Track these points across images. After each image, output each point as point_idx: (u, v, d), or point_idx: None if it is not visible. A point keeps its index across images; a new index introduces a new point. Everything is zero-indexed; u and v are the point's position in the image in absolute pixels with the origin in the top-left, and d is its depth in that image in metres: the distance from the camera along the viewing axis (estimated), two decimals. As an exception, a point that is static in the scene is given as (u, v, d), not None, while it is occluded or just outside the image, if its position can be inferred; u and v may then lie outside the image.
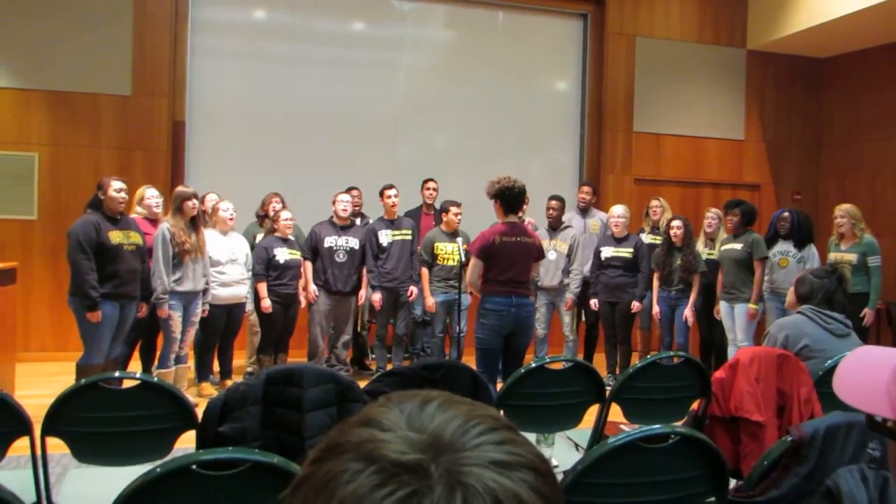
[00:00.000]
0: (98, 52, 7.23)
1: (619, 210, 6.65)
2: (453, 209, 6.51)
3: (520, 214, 4.94)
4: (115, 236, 4.95)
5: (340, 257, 6.37)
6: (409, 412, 0.59)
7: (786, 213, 6.54)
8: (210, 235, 5.77)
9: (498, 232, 4.54)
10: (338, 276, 6.35)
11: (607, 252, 6.57)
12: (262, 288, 6.06)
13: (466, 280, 4.76)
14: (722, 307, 6.35)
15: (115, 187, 4.98)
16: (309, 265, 6.37)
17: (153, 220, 5.71)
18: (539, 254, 4.77)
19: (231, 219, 5.96)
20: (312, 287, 6.33)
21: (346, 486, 0.54)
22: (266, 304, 6.04)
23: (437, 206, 7.00)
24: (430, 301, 6.47)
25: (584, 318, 7.08)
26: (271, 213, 6.37)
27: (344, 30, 8.11)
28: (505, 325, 4.49)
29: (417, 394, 0.62)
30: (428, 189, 7.10)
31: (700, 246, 6.80)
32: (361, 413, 0.61)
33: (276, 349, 6.27)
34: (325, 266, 6.35)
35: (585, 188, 7.28)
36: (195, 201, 5.55)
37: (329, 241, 6.37)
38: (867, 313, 6.14)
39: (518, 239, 4.55)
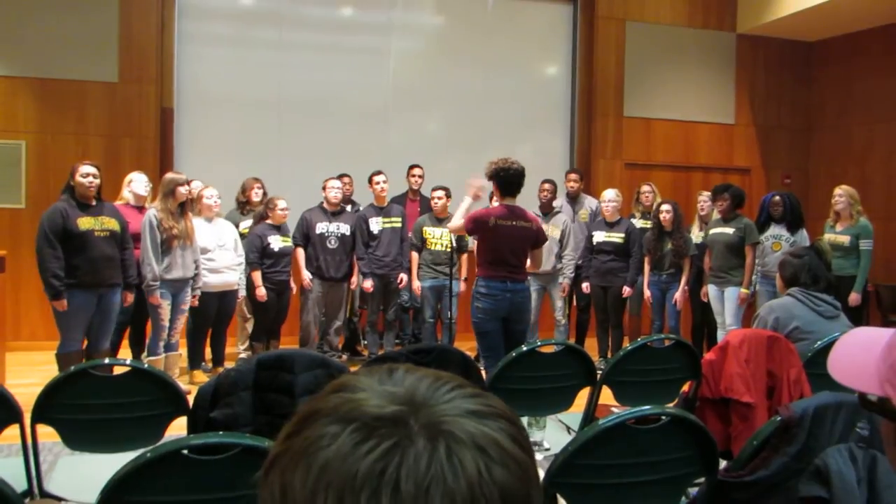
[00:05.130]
0: (84, 39, 7.16)
1: (610, 194, 6.65)
2: (434, 194, 6.53)
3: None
4: (85, 223, 4.82)
5: (332, 243, 6.36)
6: (379, 376, 0.60)
7: (777, 197, 6.56)
8: (195, 223, 5.73)
9: (495, 213, 4.48)
10: (330, 263, 6.35)
11: (599, 236, 6.58)
12: (257, 276, 6.04)
13: (451, 224, 4.69)
14: (711, 291, 6.37)
15: (83, 172, 4.85)
16: (301, 252, 6.36)
17: (139, 208, 5.67)
18: (538, 239, 4.65)
19: (216, 205, 5.92)
20: (306, 274, 6.32)
21: (327, 449, 0.53)
22: (261, 292, 6.03)
23: (424, 192, 6.99)
24: (416, 284, 6.49)
25: (575, 303, 7.09)
26: (253, 199, 6.35)
27: (333, 15, 8.06)
28: (499, 309, 4.45)
29: (383, 365, 0.62)
30: (413, 175, 7.10)
31: (695, 230, 6.82)
32: (331, 384, 0.60)
33: (268, 336, 6.27)
34: (316, 252, 6.34)
35: (572, 175, 7.26)
36: (187, 187, 5.52)
37: (320, 228, 6.36)
38: (853, 296, 6.18)
39: (514, 223, 4.48)
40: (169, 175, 5.57)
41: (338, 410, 0.55)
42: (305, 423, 0.57)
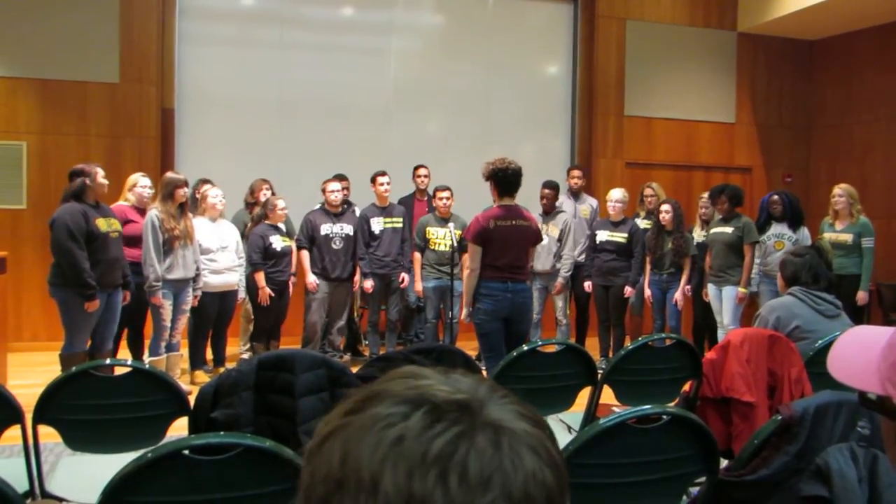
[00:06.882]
0: (85, 40, 7.17)
1: (617, 195, 6.64)
2: (439, 194, 6.52)
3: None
4: (102, 224, 4.86)
5: (337, 244, 6.37)
6: (439, 372, 0.63)
7: (776, 196, 6.55)
8: (199, 223, 5.74)
9: (492, 216, 4.45)
10: (336, 263, 6.36)
11: (602, 235, 6.58)
12: (261, 277, 6.04)
13: (469, 266, 4.59)
14: (710, 290, 6.37)
15: (102, 174, 4.91)
16: (306, 254, 6.36)
17: (140, 209, 5.67)
18: (537, 238, 4.66)
19: (222, 204, 5.93)
20: (312, 277, 6.32)
21: (397, 426, 0.56)
22: (265, 293, 6.03)
23: (430, 191, 7.00)
24: (419, 286, 6.50)
25: (574, 302, 7.09)
26: (262, 200, 6.34)
27: (334, 15, 8.06)
28: (501, 310, 4.43)
29: (437, 367, 0.65)
30: (419, 176, 7.11)
31: (697, 230, 6.81)
32: (393, 372, 0.63)
33: (268, 336, 6.28)
34: (322, 254, 6.35)
35: (575, 172, 7.27)
36: (186, 189, 5.52)
37: (325, 229, 6.37)
38: (860, 295, 6.17)
39: (514, 222, 4.46)
40: (168, 175, 5.57)
41: (406, 394, 0.58)
42: (369, 402, 0.59)
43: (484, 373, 3.96)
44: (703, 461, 2.06)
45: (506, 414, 0.58)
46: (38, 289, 6.95)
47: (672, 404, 3.24)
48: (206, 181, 6.23)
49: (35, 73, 7.09)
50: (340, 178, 6.74)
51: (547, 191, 6.63)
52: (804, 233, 6.39)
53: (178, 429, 2.60)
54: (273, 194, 6.40)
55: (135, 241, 5.39)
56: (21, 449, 2.52)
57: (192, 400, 2.54)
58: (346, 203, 6.88)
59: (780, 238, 6.40)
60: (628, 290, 6.51)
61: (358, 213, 6.70)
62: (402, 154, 7.63)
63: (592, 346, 6.58)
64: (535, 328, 6.66)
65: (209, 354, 6.17)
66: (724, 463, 2.19)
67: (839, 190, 6.41)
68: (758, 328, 3.31)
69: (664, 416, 2.03)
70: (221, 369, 5.92)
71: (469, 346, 5.75)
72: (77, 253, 4.66)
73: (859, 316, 6.16)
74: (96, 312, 4.87)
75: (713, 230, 6.37)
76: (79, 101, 7.18)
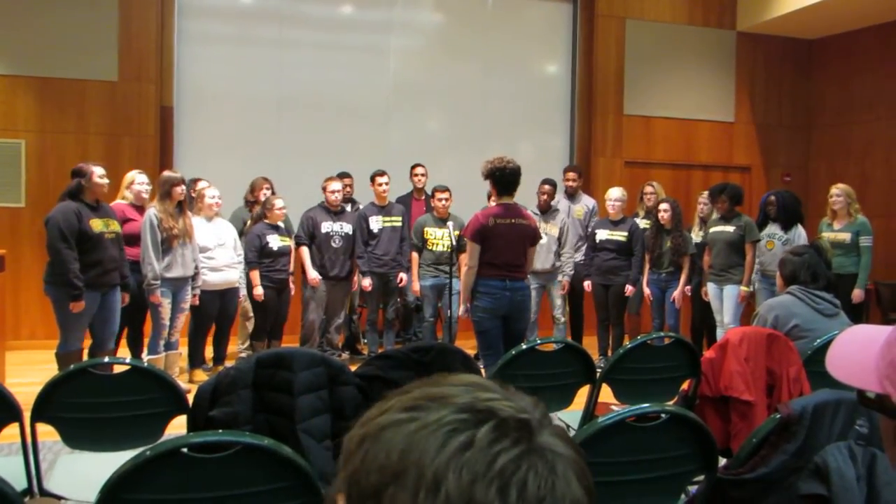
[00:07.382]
0: (84, 38, 7.15)
1: (616, 193, 6.64)
2: (438, 194, 6.52)
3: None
4: (97, 224, 4.85)
5: (336, 242, 6.37)
6: (501, 387, 0.65)
7: (772, 197, 6.56)
8: (195, 222, 5.73)
9: (492, 214, 4.47)
10: (335, 262, 6.37)
11: (602, 234, 6.58)
12: (255, 276, 6.04)
13: (468, 264, 4.60)
14: (710, 288, 6.37)
15: (99, 173, 4.90)
16: (306, 250, 6.36)
17: (139, 207, 5.67)
18: (535, 237, 4.67)
19: (217, 205, 5.92)
20: (315, 274, 6.32)
21: (462, 434, 0.58)
22: (258, 291, 6.03)
23: (428, 190, 7.00)
24: (416, 286, 6.50)
25: (569, 300, 7.09)
26: (262, 199, 6.34)
27: (333, 13, 8.05)
28: (499, 308, 4.45)
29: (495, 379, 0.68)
30: (416, 175, 7.10)
31: (696, 230, 6.82)
32: (455, 377, 0.66)
33: (270, 335, 6.28)
34: (321, 252, 6.36)
35: (570, 174, 7.23)
36: (183, 187, 5.51)
37: (326, 227, 6.37)
38: (856, 293, 6.19)
39: (513, 221, 4.47)
40: (165, 174, 5.56)
41: (473, 404, 0.61)
42: (434, 402, 0.62)
43: (483, 371, 3.96)
44: (701, 459, 2.07)
45: (555, 439, 0.61)
46: (37, 287, 6.90)
47: (671, 403, 3.24)
48: (198, 180, 6.23)
49: (34, 70, 7.08)
50: (343, 175, 6.75)
51: (547, 187, 6.64)
52: (797, 232, 6.39)
53: (177, 427, 2.60)
54: (273, 193, 6.40)
55: (134, 239, 5.38)
56: (19, 447, 2.52)
57: (190, 398, 2.53)
58: (351, 201, 6.88)
59: (772, 238, 6.41)
60: (629, 288, 6.51)
61: (359, 211, 6.71)
62: (401, 152, 7.62)
63: (588, 344, 6.57)
64: (531, 327, 6.66)
65: (209, 353, 6.16)
66: (722, 461, 2.19)
67: (836, 190, 6.43)
68: (756, 327, 3.31)
69: (663, 415, 2.03)
70: (220, 368, 5.92)
71: (468, 345, 5.75)
72: (66, 252, 4.66)
73: (858, 315, 6.17)
74: (88, 312, 4.86)
75: (713, 229, 6.38)
76: (77, 99, 7.17)
